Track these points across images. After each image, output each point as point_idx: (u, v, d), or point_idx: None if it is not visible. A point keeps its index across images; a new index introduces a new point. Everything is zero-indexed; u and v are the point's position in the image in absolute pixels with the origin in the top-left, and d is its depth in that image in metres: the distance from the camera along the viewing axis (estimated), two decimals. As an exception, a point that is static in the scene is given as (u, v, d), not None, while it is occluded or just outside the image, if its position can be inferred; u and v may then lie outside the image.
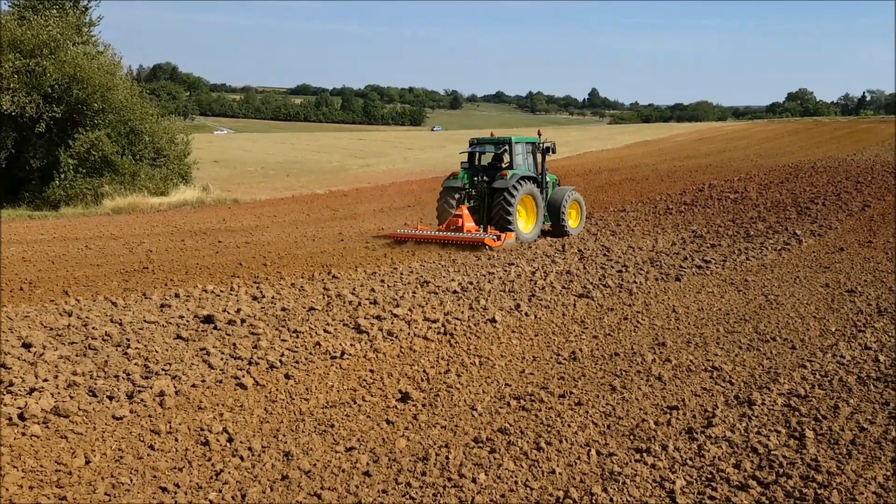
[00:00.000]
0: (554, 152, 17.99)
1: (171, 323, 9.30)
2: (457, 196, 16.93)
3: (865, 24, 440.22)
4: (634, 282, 12.10)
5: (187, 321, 9.41)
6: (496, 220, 16.31)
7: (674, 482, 5.24)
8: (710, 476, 5.35)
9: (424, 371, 7.75)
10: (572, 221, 18.31)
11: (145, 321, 9.30)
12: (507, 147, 17.05)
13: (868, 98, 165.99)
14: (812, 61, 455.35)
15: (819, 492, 5.07)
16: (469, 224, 16.03)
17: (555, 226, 17.94)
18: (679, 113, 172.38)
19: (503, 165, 17.25)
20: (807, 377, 7.50)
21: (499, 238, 15.69)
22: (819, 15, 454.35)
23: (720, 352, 8.43)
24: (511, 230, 16.18)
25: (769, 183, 26.52)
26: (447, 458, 5.66)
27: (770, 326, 9.46)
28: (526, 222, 17.00)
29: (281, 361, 7.81)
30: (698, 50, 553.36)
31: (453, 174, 17.42)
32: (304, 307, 10.22)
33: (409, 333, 9.00)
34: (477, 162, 17.73)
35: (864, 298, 10.85)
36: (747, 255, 14.64)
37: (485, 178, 16.99)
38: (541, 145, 17.71)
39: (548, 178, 17.99)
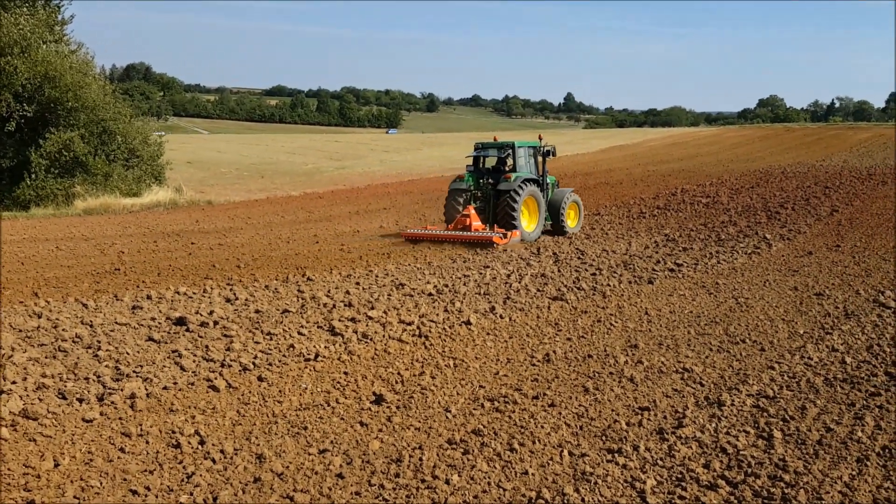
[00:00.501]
0: (554, 155, 18.90)
1: (142, 325, 9.21)
2: (463, 197, 17.71)
3: (836, 34, 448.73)
4: (608, 284, 12.21)
5: (159, 323, 9.32)
6: (502, 219, 17.13)
7: (644, 482, 5.30)
8: (680, 476, 5.43)
9: (399, 373, 7.76)
10: (571, 221, 19.15)
11: (116, 323, 9.20)
12: (510, 151, 17.89)
13: (837, 105, 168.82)
14: (783, 69, 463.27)
15: (786, 491, 5.16)
16: (476, 223, 16.87)
17: (555, 225, 18.74)
18: (653, 118, 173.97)
19: (507, 168, 18.05)
20: (775, 378, 7.63)
21: (505, 236, 16.51)
22: (790, 23, 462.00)
23: (691, 353, 8.54)
24: (516, 229, 16.95)
25: (740, 188, 26.88)
26: (421, 459, 5.68)
27: (740, 329, 9.60)
28: (529, 222, 17.78)
29: (254, 364, 7.78)
30: (672, 56, 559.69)
31: (459, 177, 18.30)
32: (278, 309, 10.17)
33: (383, 336, 9.00)
34: (482, 165, 18.63)
35: (832, 301, 11.05)
36: (718, 258, 14.82)
37: (490, 180, 17.90)
38: (542, 149, 18.56)
39: (548, 180, 18.81)
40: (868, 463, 5.61)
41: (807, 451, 5.84)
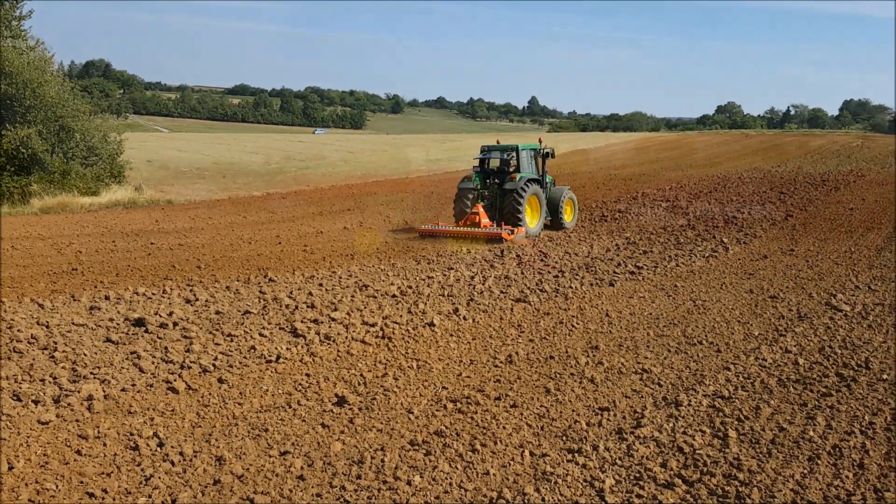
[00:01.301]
0: (553, 157, 20.73)
1: (100, 326, 9.06)
2: (471, 196, 19.02)
3: (789, 46, 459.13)
4: (570, 287, 12.34)
5: (117, 324, 9.18)
6: (508, 216, 18.37)
7: (603, 481, 5.39)
8: (638, 475, 5.52)
9: (361, 375, 7.76)
10: (568, 216, 20.77)
11: (73, 324, 9.04)
12: (514, 153, 19.47)
13: (792, 112, 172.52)
14: (740, 76, 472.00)
15: (741, 489, 5.29)
16: (485, 220, 18.20)
17: (553, 220, 20.30)
18: (615, 123, 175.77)
19: (511, 169, 19.63)
20: (731, 379, 7.80)
21: (512, 232, 17.72)
22: (746, 34, 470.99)
23: (650, 355, 8.68)
24: (521, 225, 18.19)
25: (699, 192, 27.35)
26: (383, 460, 5.69)
27: (697, 330, 9.79)
28: (531, 218, 19.12)
29: (214, 365, 7.70)
30: (633, 62, 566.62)
31: (467, 177, 19.60)
32: (240, 311, 10.08)
33: (346, 337, 8.98)
34: (487, 166, 20.01)
35: (786, 304, 11.32)
36: (677, 261, 15.07)
37: (496, 180, 19.40)
38: (542, 151, 20.26)
39: (546, 179, 20.43)
40: (819, 462, 5.78)
41: (760, 450, 5.99)
